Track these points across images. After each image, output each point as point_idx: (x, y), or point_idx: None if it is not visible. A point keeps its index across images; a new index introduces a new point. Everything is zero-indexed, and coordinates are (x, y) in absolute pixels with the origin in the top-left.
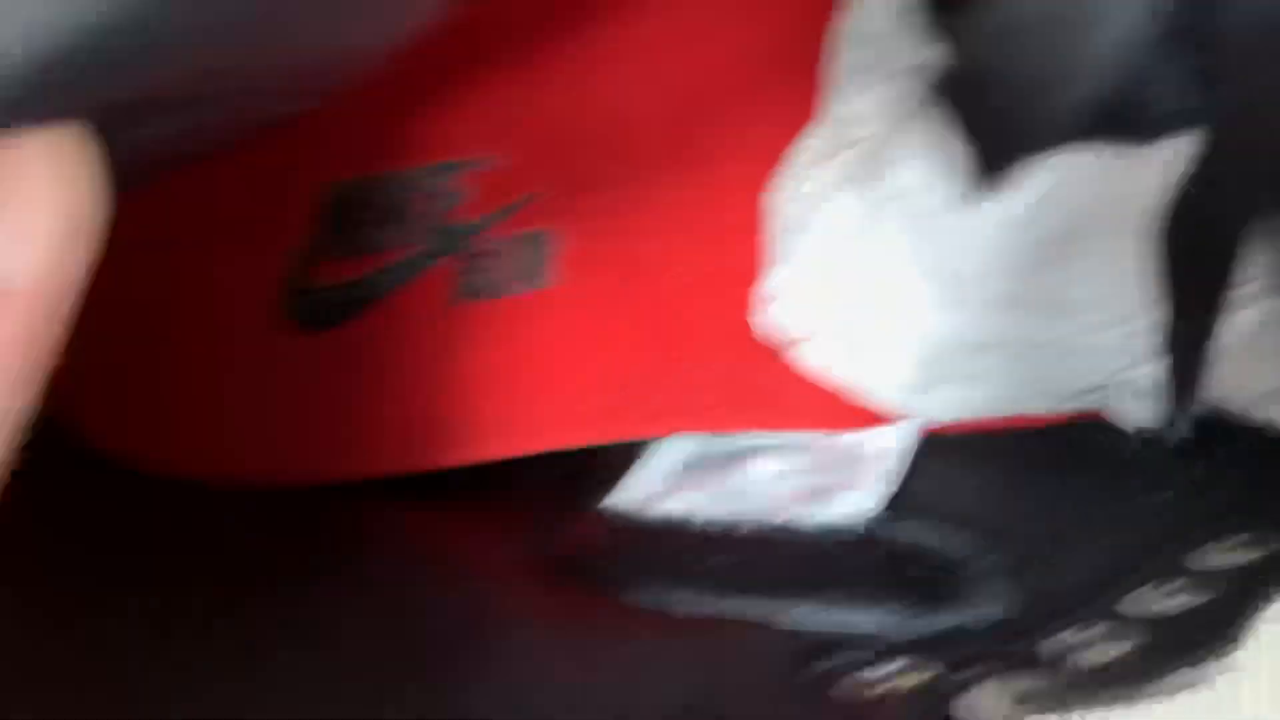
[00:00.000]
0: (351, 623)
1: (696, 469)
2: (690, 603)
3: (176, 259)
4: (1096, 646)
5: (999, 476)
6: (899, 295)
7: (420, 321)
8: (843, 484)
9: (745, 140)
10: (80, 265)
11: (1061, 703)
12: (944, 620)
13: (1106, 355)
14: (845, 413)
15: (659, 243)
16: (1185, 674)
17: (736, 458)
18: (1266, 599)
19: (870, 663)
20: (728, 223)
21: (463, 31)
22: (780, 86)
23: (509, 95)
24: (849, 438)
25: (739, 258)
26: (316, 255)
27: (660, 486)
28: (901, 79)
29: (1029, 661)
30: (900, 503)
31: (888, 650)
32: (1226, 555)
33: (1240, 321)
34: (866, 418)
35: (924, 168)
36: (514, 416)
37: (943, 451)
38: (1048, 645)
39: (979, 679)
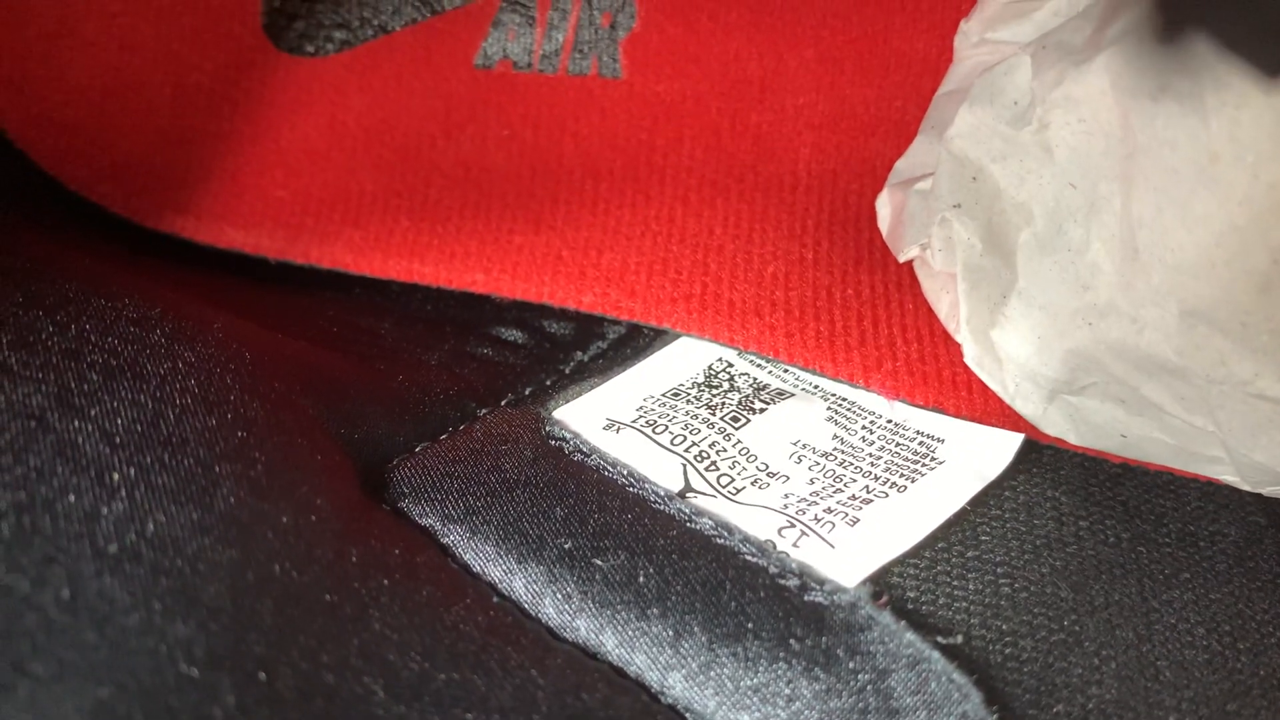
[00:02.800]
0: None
1: (690, 403)
2: (543, 597)
3: None
4: None
5: (1111, 532)
6: (1076, 245)
7: (430, 77)
8: (885, 494)
9: None
10: None
11: None
12: None
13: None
14: (942, 384)
15: (782, 56)
16: None
17: (762, 394)
18: None
19: None
20: (881, 58)
21: None
22: None
23: None
24: (930, 424)
25: (878, 111)
26: None
27: (630, 413)
28: None
29: None
30: (931, 564)
31: None
32: None
33: None
34: (973, 402)
35: None
36: (515, 240)
37: (1048, 485)
38: None
39: None
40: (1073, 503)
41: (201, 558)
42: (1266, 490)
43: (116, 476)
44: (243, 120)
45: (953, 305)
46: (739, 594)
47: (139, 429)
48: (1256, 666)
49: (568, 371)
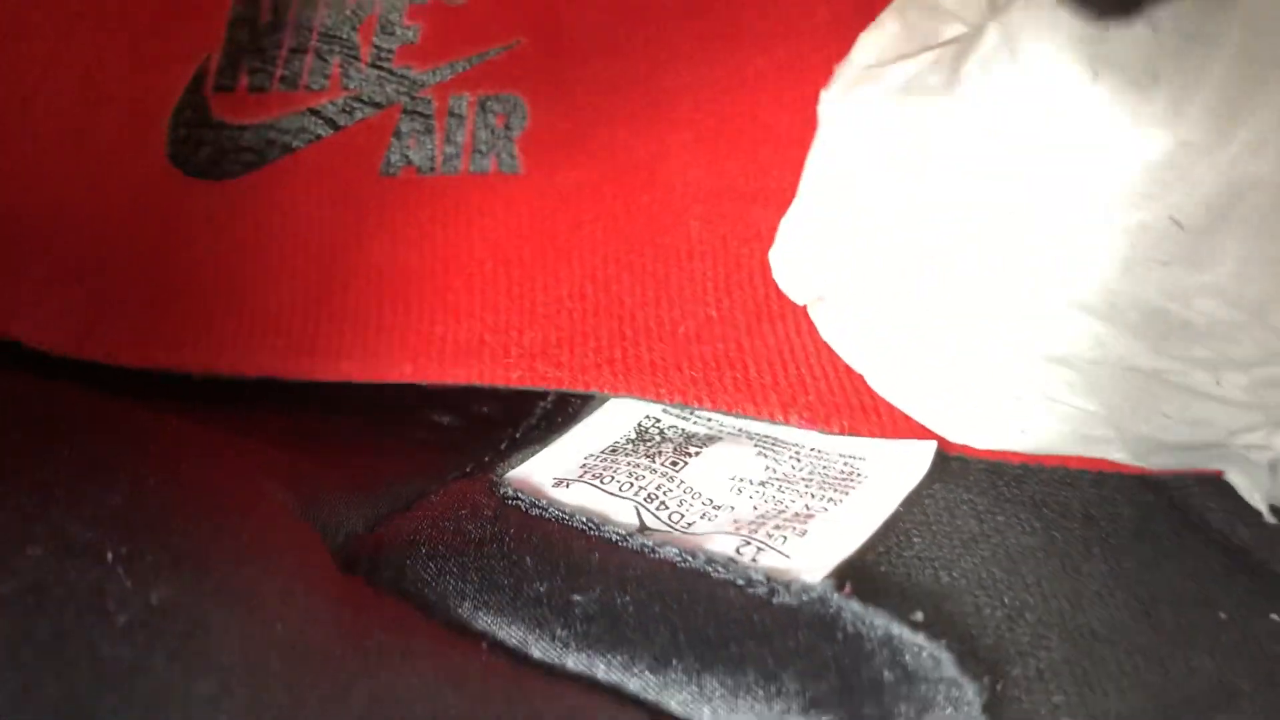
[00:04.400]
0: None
1: (629, 455)
2: (529, 641)
3: (41, 49)
4: None
5: (1038, 532)
6: (954, 269)
7: (338, 189)
8: (824, 509)
9: (790, 22)
10: None
11: None
12: None
13: (1224, 406)
14: (852, 409)
15: (662, 136)
16: None
17: (693, 441)
18: None
19: None
20: (757, 128)
21: None
22: None
23: None
24: (849, 447)
25: (760, 176)
26: (221, 79)
27: (575, 470)
28: None
29: None
30: (876, 564)
31: None
32: None
33: None
34: (882, 422)
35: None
36: (437, 331)
37: (964, 481)
38: None
39: None
40: (986, 502)
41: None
42: (1152, 462)
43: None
44: (157, 244)
45: (846, 341)
46: (714, 608)
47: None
48: (1178, 617)
49: (504, 448)
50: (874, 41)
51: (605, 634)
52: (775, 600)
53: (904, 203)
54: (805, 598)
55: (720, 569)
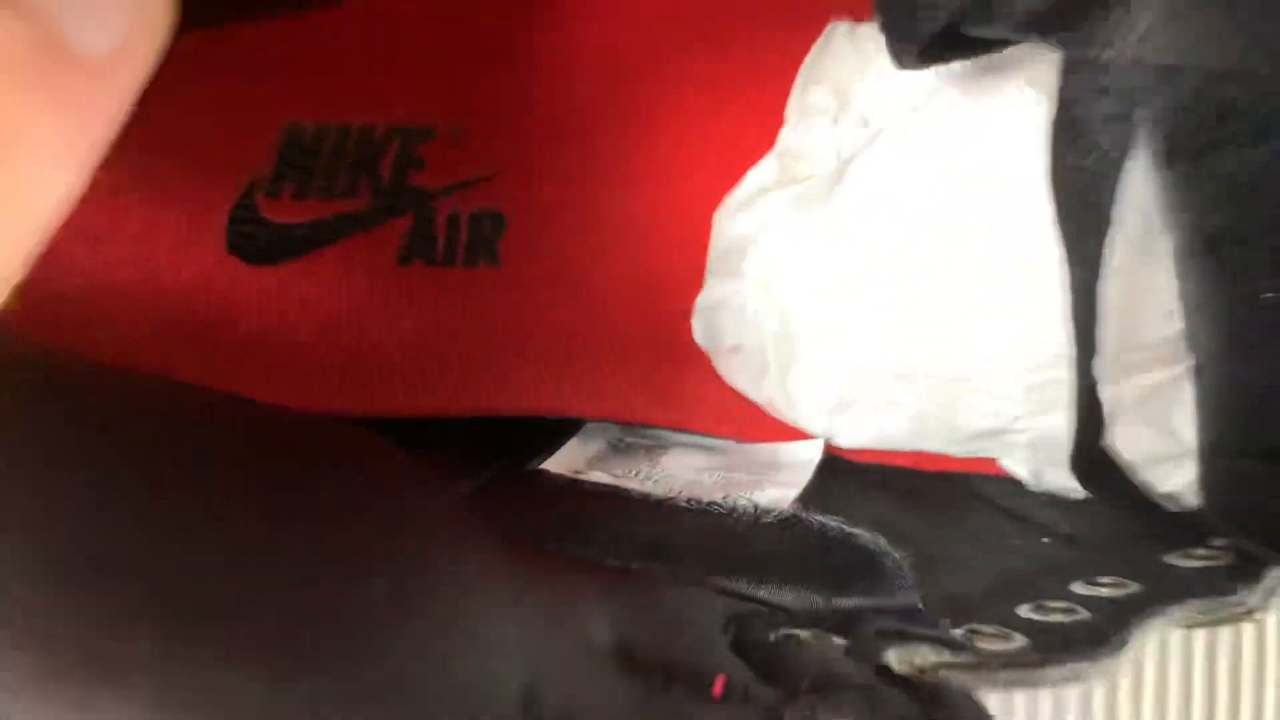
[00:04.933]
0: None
1: (621, 453)
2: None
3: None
4: (994, 640)
5: (898, 501)
6: (827, 321)
7: (369, 272)
8: (758, 485)
9: (700, 159)
10: (151, 49)
11: (964, 676)
12: (859, 600)
13: (1006, 401)
14: (759, 424)
15: (603, 242)
16: (1067, 671)
17: (657, 448)
18: (1137, 628)
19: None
20: (671, 235)
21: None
22: (740, 112)
23: (490, 78)
24: (764, 447)
25: (675, 268)
26: (269, 187)
27: (583, 465)
28: (850, 124)
29: (934, 640)
30: (814, 505)
31: (801, 620)
32: (1100, 589)
33: (1137, 384)
34: (779, 431)
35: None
36: (457, 377)
37: (847, 474)
38: (953, 631)
39: (882, 648)
40: (857, 484)
41: None
42: (955, 451)
43: None
44: (216, 318)
45: (750, 381)
46: (723, 531)
47: None
48: (982, 542)
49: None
50: (758, 175)
51: (658, 559)
52: (762, 520)
53: (785, 284)
54: (782, 516)
55: (719, 508)
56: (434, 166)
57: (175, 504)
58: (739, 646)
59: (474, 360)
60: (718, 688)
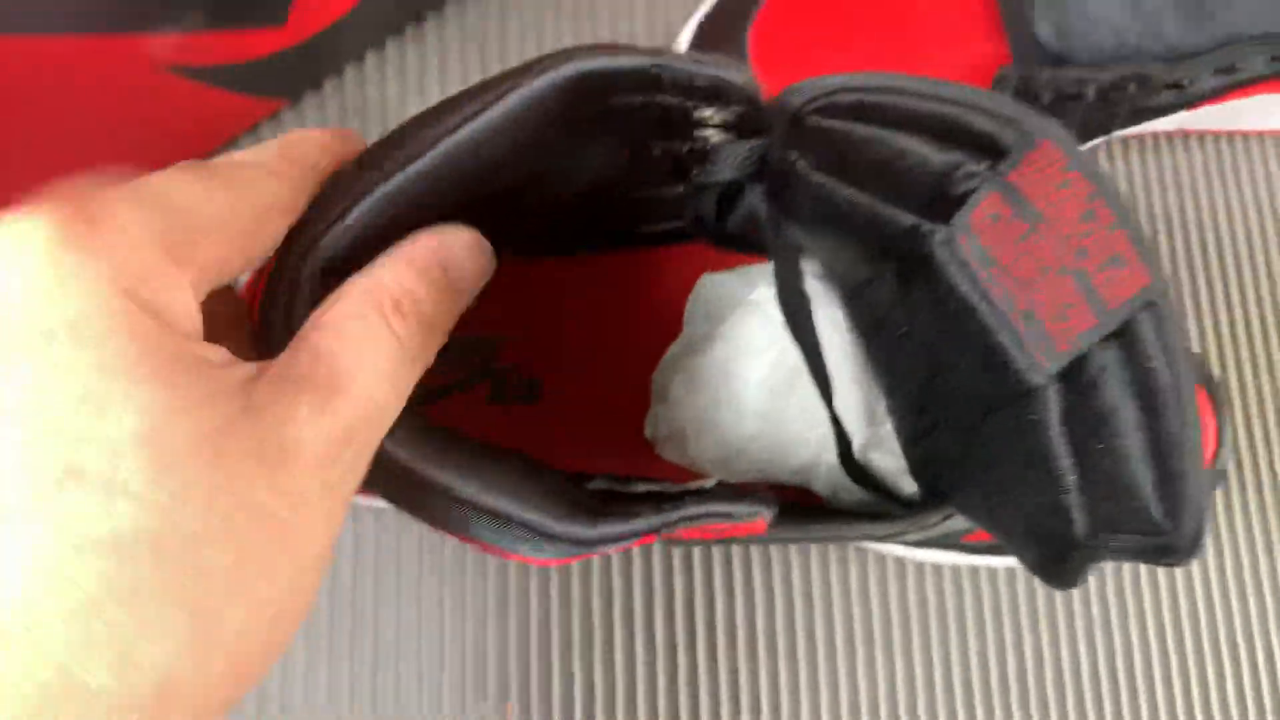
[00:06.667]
0: None
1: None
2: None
3: None
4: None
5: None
6: (714, 423)
7: (470, 410)
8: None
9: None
10: (485, 276)
11: None
12: None
13: (807, 448)
14: (688, 473)
15: (599, 397)
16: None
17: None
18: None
19: None
20: (634, 391)
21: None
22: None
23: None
24: (692, 483)
25: (638, 405)
26: None
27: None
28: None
29: None
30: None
31: None
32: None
33: (878, 431)
34: (699, 475)
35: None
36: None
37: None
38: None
39: None
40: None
41: None
42: (789, 481)
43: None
44: None
45: (674, 451)
46: None
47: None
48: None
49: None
50: (672, 353)
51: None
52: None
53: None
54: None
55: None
56: (505, 353)
57: None
58: None
59: (542, 452)
60: None
